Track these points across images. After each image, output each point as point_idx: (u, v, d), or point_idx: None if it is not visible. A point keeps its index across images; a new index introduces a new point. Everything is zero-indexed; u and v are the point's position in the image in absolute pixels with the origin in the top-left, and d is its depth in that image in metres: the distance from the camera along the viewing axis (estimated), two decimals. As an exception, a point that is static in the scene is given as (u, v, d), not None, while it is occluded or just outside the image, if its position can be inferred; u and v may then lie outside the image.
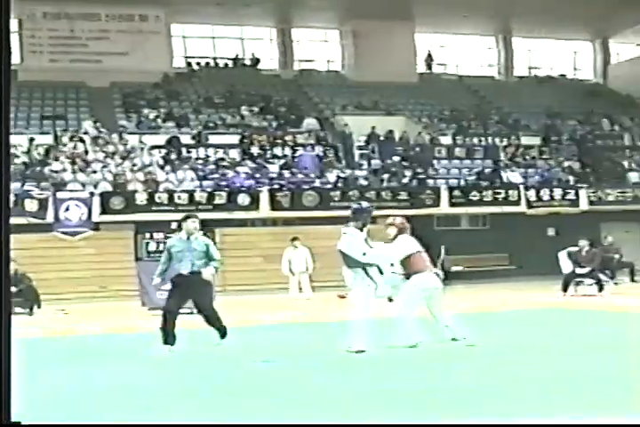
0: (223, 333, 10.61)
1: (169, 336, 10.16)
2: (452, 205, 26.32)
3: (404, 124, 32.19)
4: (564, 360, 8.49)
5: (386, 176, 27.37)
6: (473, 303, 16.61)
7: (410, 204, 25.81)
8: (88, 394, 7.19)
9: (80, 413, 6.30)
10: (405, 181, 27.33)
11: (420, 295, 9.83)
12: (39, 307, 18.06)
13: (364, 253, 9.56)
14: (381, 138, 30.36)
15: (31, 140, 26.55)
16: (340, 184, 26.29)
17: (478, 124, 33.79)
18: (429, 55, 39.34)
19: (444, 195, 26.26)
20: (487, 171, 28.73)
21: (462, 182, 27.95)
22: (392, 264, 9.87)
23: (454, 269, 26.56)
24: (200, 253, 10.58)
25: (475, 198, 26.49)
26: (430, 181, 27.68)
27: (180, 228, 18.22)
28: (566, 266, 19.36)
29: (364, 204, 10.53)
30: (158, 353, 9.91)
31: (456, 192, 26.45)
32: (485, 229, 27.95)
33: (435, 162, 29.39)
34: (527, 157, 30.48)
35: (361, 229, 9.77)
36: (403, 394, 6.69)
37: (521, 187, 27.18)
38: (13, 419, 3.35)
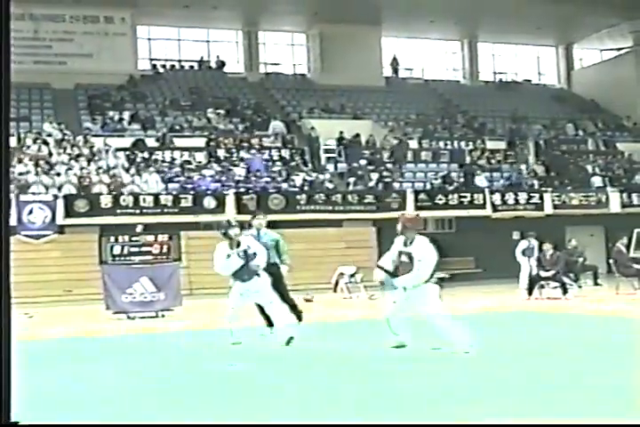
0: (299, 316, 11.84)
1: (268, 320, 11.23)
2: (418, 208, 26.35)
3: (370, 127, 32.32)
4: (525, 363, 8.55)
5: (352, 180, 27.45)
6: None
7: (376, 207, 25.89)
8: (51, 400, 7.13)
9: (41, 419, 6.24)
10: (371, 184, 27.42)
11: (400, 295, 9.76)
12: (2, 311, 17.82)
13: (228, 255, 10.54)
14: (348, 141, 30.44)
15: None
16: (306, 187, 26.30)
17: (444, 127, 34.02)
18: (395, 59, 39.53)
19: (410, 198, 26.35)
20: (453, 174, 28.91)
21: (428, 186, 28.09)
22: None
23: (420, 272, 26.66)
24: (270, 247, 11.52)
25: (440, 202, 26.61)
26: (396, 185, 27.79)
27: (145, 230, 18.23)
28: (524, 262, 20.76)
29: (222, 222, 11.31)
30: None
31: (422, 196, 26.55)
32: (451, 232, 28.12)
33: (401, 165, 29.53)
34: (492, 161, 30.73)
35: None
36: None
37: (486, 191, 27.37)
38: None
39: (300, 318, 11.93)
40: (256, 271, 10.51)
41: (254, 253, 10.51)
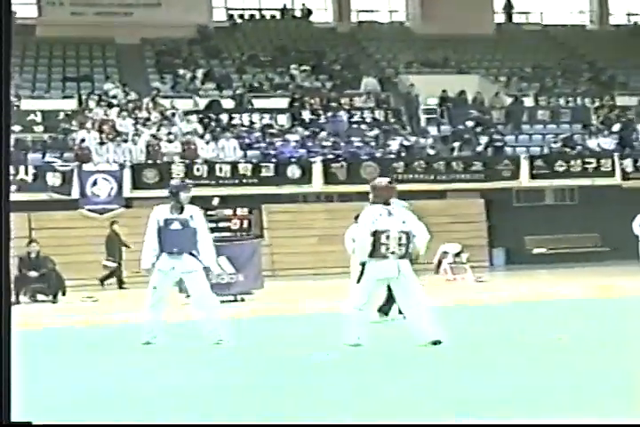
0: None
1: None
2: (534, 177, 26.18)
3: (477, 83, 32.04)
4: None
5: (457, 144, 27.31)
6: (556, 290, 16.57)
7: (484, 176, 25.74)
8: (115, 392, 7.38)
9: (98, 413, 6.49)
10: (479, 149, 27.23)
11: (373, 286, 9.37)
12: (64, 294, 18.40)
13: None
14: (452, 100, 30.25)
15: (52, 105, 27.00)
16: (403, 154, 26.28)
17: (565, 82, 33.44)
18: (509, 2, 38.94)
19: (525, 165, 26.14)
20: (575, 137, 28.49)
21: (546, 151, 27.75)
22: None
23: (536, 251, 26.60)
24: None
25: (560, 169, 26.33)
26: (509, 150, 27.53)
27: (222, 203, 18.41)
28: None
29: (176, 182, 11.42)
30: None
31: (538, 162, 26.32)
32: (573, 204, 27.76)
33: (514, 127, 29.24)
34: (623, 121, 30.10)
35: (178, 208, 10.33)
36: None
37: (615, 155, 26.91)
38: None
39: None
40: (191, 248, 10.04)
41: (194, 229, 10.12)
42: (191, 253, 10.06)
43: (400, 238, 9.22)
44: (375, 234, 9.17)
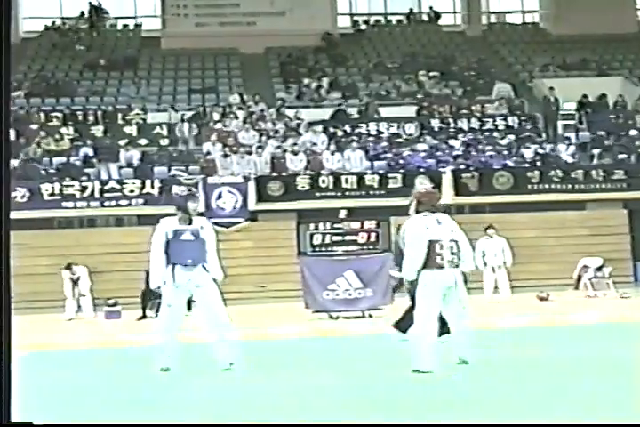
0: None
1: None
2: (684, 185, 25.49)
3: (620, 85, 31.37)
4: None
5: (597, 151, 26.81)
6: None
7: (627, 185, 25.19)
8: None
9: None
10: (622, 156, 26.67)
11: (435, 299, 9.13)
12: (190, 309, 18.64)
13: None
14: (592, 104, 29.73)
15: (182, 117, 27.60)
16: (539, 162, 25.94)
17: None
18: (653, -3, 38.13)
19: (672, 173, 25.49)
20: None
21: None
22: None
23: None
24: None
25: None
26: (654, 157, 26.93)
27: (349, 216, 18.47)
28: None
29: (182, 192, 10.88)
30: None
31: (688, 169, 25.63)
32: None
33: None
34: None
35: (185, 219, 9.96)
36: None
37: None
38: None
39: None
40: (203, 260, 9.78)
41: (204, 240, 9.91)
42: (202, 266, 9.84)
43: (452, 247, 9.21)
44: (429, 244, 9.10)
